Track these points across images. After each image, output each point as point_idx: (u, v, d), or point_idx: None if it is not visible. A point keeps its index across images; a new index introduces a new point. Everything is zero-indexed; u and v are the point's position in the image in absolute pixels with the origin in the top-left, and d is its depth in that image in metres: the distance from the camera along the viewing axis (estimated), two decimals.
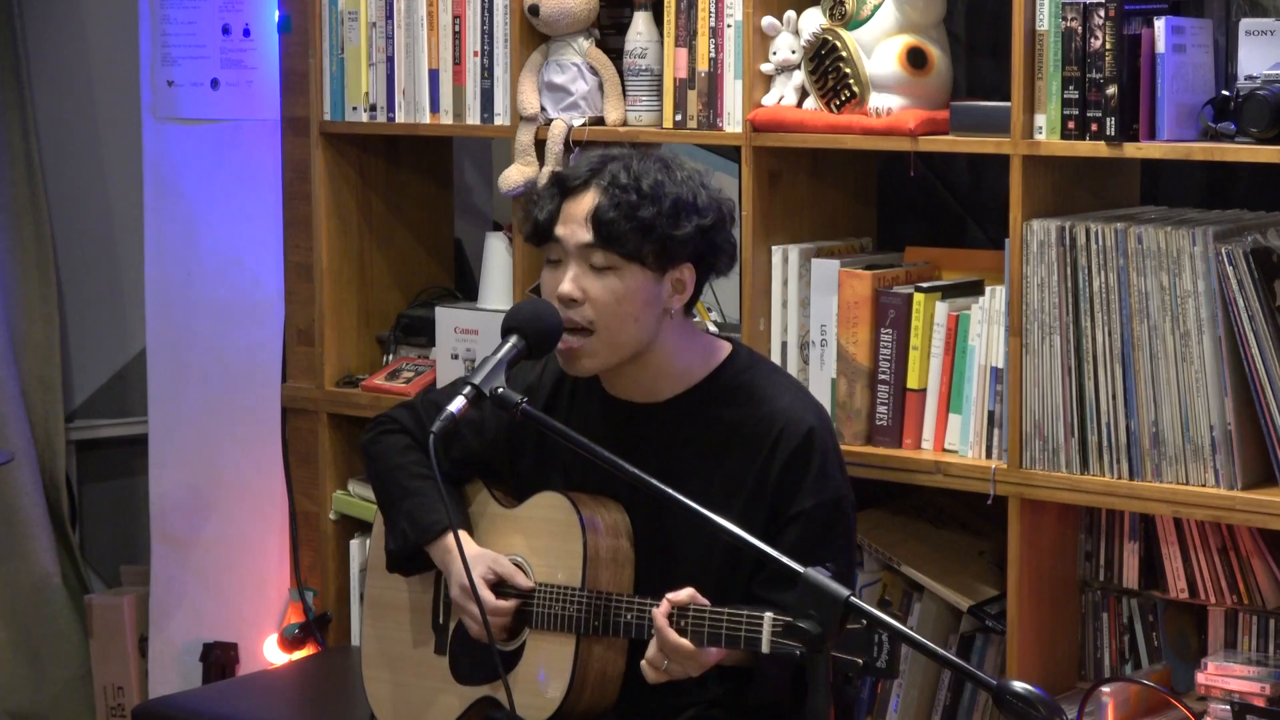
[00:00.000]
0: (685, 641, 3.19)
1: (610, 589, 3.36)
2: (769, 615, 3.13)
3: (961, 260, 3.99)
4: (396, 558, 3.54)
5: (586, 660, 3.35)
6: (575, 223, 3.34)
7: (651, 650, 3.23)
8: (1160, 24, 3.54)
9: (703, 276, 3.43)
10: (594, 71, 4.18)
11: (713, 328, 4.09)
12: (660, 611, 3.21)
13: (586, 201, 3.34)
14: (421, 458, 3.56)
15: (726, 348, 3.49)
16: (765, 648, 3.13)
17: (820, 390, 3.89)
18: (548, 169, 4.15)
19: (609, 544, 3.39)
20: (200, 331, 4.82)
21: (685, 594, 3.22)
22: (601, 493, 3.43)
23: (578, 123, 4.16)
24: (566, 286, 3.33)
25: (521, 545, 3.47)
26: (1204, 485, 3.53)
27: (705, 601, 3.22)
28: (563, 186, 3.38)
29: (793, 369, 3.94)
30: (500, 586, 3.43)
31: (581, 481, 3.45)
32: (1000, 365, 3.73)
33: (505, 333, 3.25)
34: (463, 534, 3.47)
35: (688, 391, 3.44)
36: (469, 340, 4.39)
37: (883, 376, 3.87)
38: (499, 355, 3.19)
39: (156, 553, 4.95)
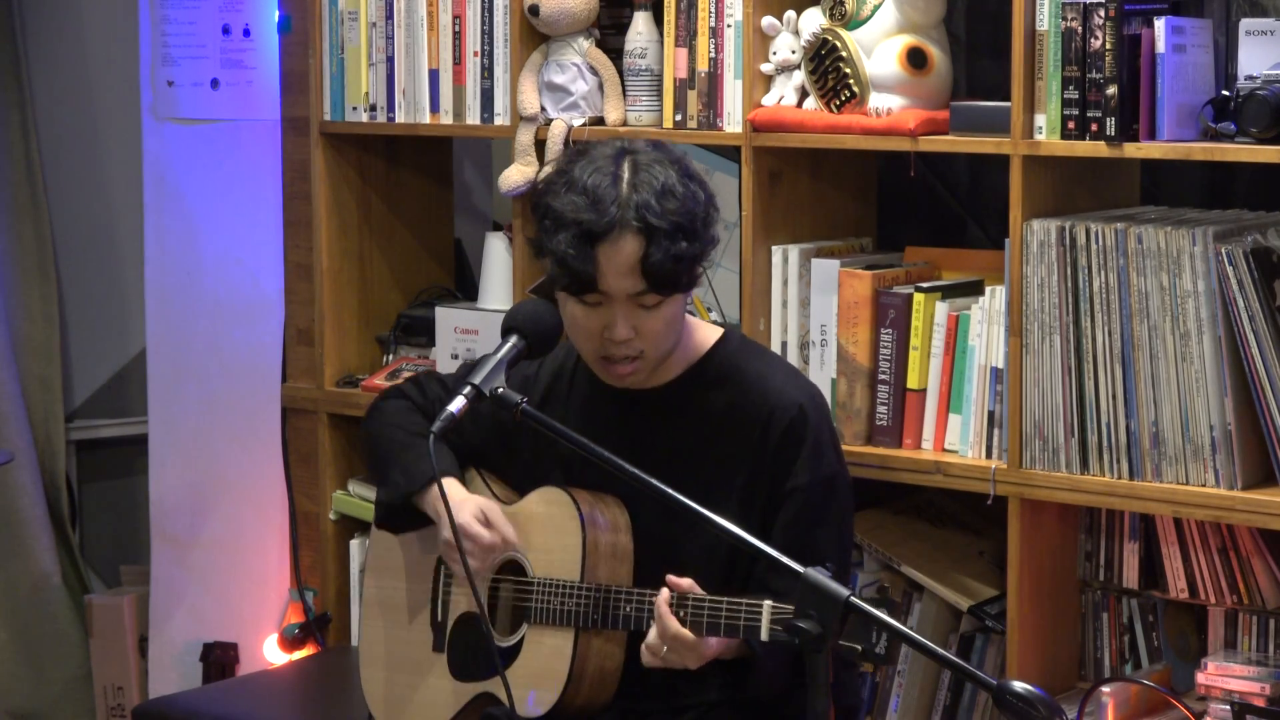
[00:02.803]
0: (685, 631, 3.19)
1: (608, 583, 3.37)
2: (768, 604, 3.13)
3: (961, 260, 3.99)
4: (387, 509, 3.54)
5: (585, 654, 3.36)
6: (621, 273, 3.27)
7: (651, 635, 3.23)
8: (1160, 24, 3.54)
9: None
10: (594, 71, 4.18)
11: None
12: (662, 598, 3.21)
13: (628, 249, 3.26)
14: (424, 421, 3.56)
15: (718, 331, 3.50)
16: (764, 635, 3.13)
17: (820, 390, 3.89)
18: (547, 169, 4.14)
19: (608, 539, 3.39)
20: (200, 331, 4.82)
21: (686, 581, 3.22)
22: (602, 487, 3.44)
23: (578, 123, 4.16)
24: (623, 331, 3.31)
25: (520, 540, 3.47)
26: (1204, 485, 3.53)
27: (701, 593, 3.22)
28: (591, 236, 3.26)
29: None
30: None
31: (582, 476, 3.45)
32: (1000, 365, 3.73)
33: (505, 332, 3.25)
34: (454, 481, 3.47)
35: (680, 376, 3.45)
36: (469, 340, 4.39)
37: (883, 376, 3.87)
38: (499, 355, 3.18)
39: (156, 553, 4.95)
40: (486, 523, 3.42)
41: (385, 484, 3.55)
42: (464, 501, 3.43)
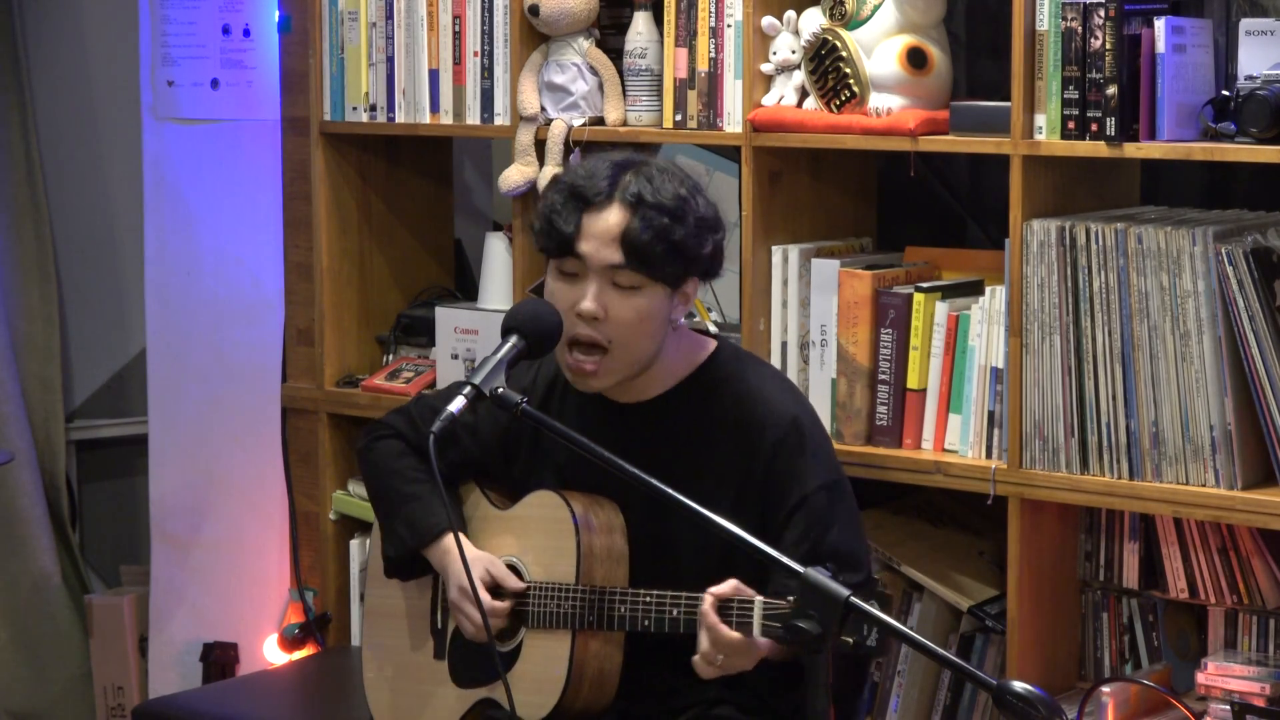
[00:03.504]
0: (734, 633, 3.16)
1: (604, 585, 3.36)
2: (759, 600, 3.13)
3: (961, 260, 3.99)
4: (395, 563, 3.54)
5: (583, 656, 3.35)
6: (602, 241, 3.31)
7: (703, 644, 3.21)
8: (1160, 24, 3.54)
9: (701, 284, 3.44)
10: (594, 71, 4.18)
11: (713, 328, 4.09)
12: (708, 605, 3.19)
13: (612, 219, 3.31)
14: (416, 462, 3.57)
15: (711, 344, 3.49)
16: (757, 632, 3.13)
17: (820, 390, 3.89)
18: (548, 169, 4.15)
19: (603, 541, 3.39)
20: (200, 331, 4.82)
21: (729, 586, 3.19)
22: (596, 491, 3.43)
23: (578, 123, 4.16)
24: (589, 305, 3.32)
25: (515, 545, 3.47)
26: (1204, 485, 3.53)
27: (750, 593, 3.18)
28: (582, 200, 3.33)
29: (793, 369, 3.94)
30: (495, 590, 3.43)
31: (576, 480, 3.45)
32: (1000, 365, 3.73)
33: (505, 333, 3.25)
34: (461, 536, 3.47)
35: (674, 388, 3.44)
36: (469, 340, 4.39)
37: (883, 376, 3.87)
38: (499, 355, 3.18)
39: (156, 553, 4.95)
40: (494, 585, 3.42)
41: (389, 538, 3.55)
42: (474, 561, 3.43)
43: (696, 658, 3.22)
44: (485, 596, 3.39)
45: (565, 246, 3.33)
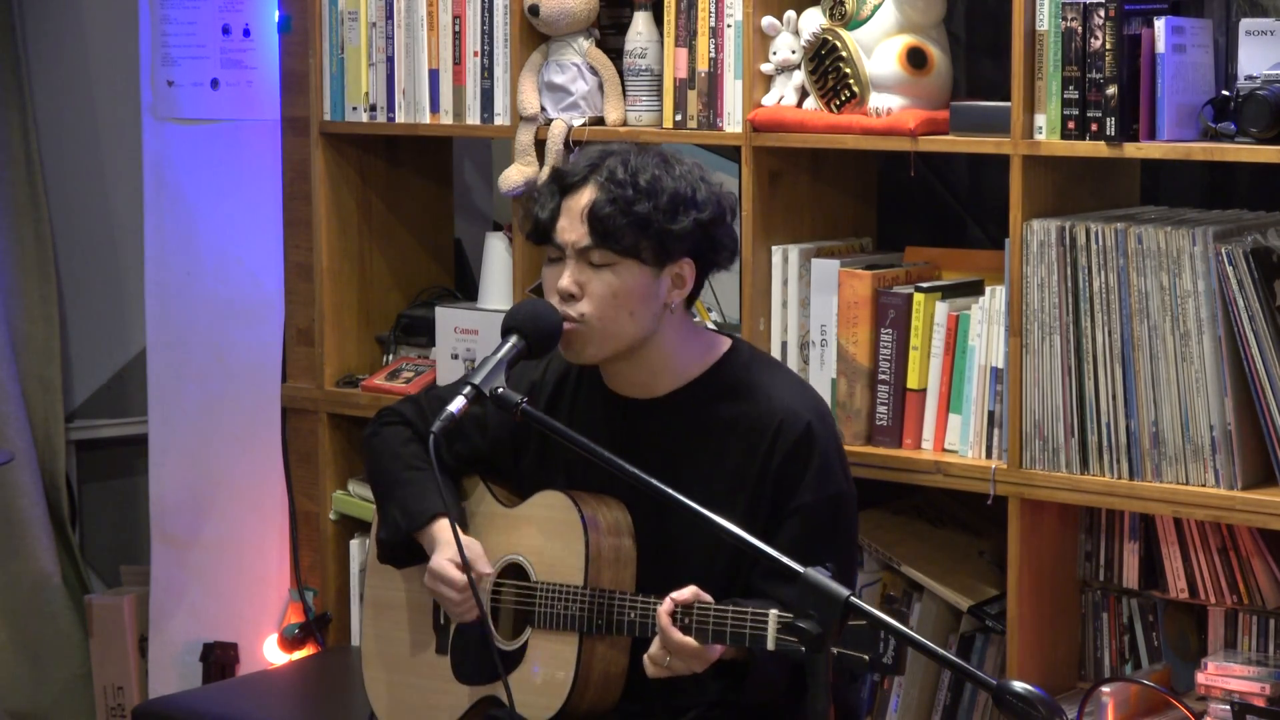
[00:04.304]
0: (689, 639, 3.18)
1: (612, 588, 3.36)
2: (774, 613, 3.13)
3: (961, 260, 3.99)
4: (388, 547, 3.54)
5: (590, 659, 3.35)
6: (573, 220, 3.34)
7: (654, 647, 3.23)
8: (1160, 24, 3.54)
9: (703, 271, 3.43)
10: (594, 71, 4.18)
11: (713, 328, 4.09)
12: (664, 610, 3.20)
13: (584, 198, 3.34)
14: (419, 450, 3.57)
15: (726, 343, 3.49)
16: (771, 645, 3.13)
17: (820, 390, 3.88)
18: (548, 169, 4.15)
19: (611, 543, 3.39)
20: (200, 331, 4.82)
21: (689, 592, 3.22)
22: (603, 491, 3.43)
23: (578, 123, 4.17)
24: (564, 282, 3.34)
25: (522, 544, 3.47)
26: (1204, 485, 3.53)
27: (709, 599, 3.21)
28: (562, 183, 3.39)
29: (793, 369, 3.94)
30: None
31: (583, 479, 3.45)
32: (1000, 365, 3.73)
33: (505, 332, 3.26)
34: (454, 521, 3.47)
35: (687, 386, 3.44)
36: (469, 340, 4.39)
37: (883, 376, 3.87)
38: (499, 355, 3.19)
39: (156, 553, 4.95)
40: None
41: (384, 521, 3.55)
42: (458, 545, 3.42)
43: (646, 656, 3.24)
44: (455, 574, 3.39)
45: (544, 233, 3.37)
